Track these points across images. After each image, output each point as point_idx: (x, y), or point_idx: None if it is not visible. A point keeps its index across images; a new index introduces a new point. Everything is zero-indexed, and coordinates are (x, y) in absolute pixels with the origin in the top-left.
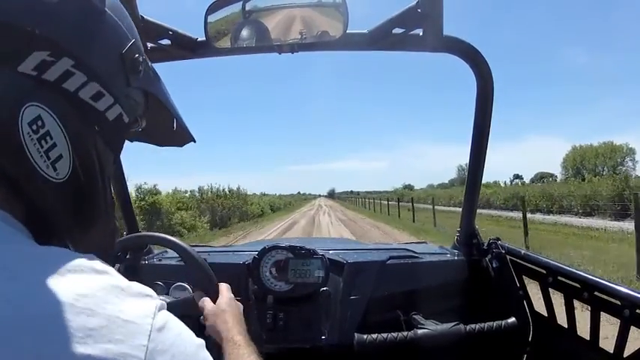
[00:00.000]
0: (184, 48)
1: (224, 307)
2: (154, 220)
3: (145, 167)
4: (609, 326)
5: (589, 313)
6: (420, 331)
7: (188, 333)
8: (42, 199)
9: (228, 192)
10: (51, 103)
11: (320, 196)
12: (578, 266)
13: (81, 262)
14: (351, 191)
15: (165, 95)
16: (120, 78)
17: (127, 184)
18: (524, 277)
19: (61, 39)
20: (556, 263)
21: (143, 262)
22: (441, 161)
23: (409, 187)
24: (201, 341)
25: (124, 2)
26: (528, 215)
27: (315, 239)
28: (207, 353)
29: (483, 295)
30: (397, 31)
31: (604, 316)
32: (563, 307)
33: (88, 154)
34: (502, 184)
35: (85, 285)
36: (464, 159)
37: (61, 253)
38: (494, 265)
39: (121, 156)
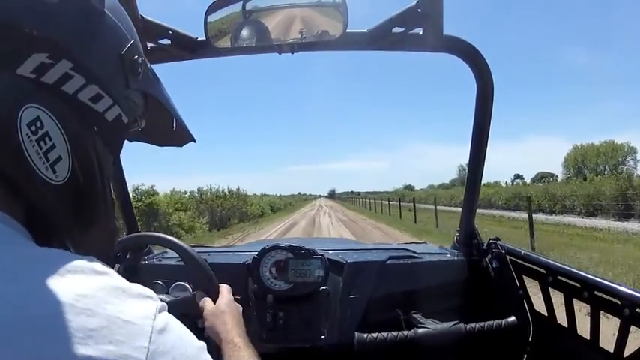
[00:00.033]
0: (184, 48)
1: (223, 308)
2: (151, 222)
3: (144, 168)
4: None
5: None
6: (420, 330)
7: (189, 335)
8: (41, 200)
9: (227, 193)
10: (50, 105)
11: (320, 196)
12: (587, 269)
13: (81, 263)
14: (352, 192)
15: (164, 96)
16: (119, 79)
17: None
18: (524, 276)
19: (61, 40)
20: (556, 263)
21: (143, 262)
22: (442, 161)
23: (410, 188)
24: (202, 343)
25: (124, 2)
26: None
27: (315, 239)
28: (208, 355)
29: (483, 295)
30: (397, 30)
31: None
32: (563, 307)
33: (88, 155)
34: (503, 184)
35: (85, 285)
36: (464, 159)
37: (61, 255)
38: (494, 265)
39: (121, 157)
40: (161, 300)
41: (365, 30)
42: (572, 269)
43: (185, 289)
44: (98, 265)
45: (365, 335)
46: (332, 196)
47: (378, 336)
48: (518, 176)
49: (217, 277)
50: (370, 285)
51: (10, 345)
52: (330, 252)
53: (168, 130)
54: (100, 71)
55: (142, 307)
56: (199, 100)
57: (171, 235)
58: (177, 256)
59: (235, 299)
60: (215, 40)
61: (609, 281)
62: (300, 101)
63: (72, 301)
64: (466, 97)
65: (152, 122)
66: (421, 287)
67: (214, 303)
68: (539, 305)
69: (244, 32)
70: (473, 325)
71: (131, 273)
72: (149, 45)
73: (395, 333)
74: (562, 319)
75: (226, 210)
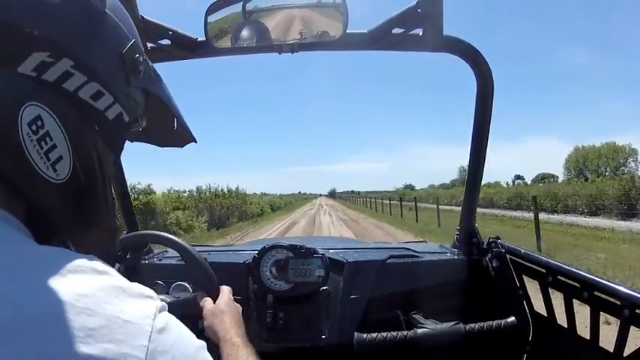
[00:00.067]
0: (184, 48)
1: (223, 307)
2: (148, 220)
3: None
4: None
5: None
6: (419, 331)
7: (189, 334)
8: (42, 200)
9: (226, 192)
10: (51, 103)
11: (321, 195)
12: (595, 272)
13: (81, 262)
14: (352, 191)
15: (166, 94)
16: (120, 78)
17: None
18: (524, 276)
19: (61, 39)
20: (556, 262)
21: (143, 262)
22: (442, 162)
23: (410, 188)
24: (202, 343)
25: (124, 2)
26: (531, 215)
27: (315, 238)
28: (208, 354)
29: (483, 295)
30: (397, 31)
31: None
32: (563, 308)
33: (88, 154)
34: (504, 185)
35: (85, 285)
36: (464, 160)
37: (61, 253)
38: (494, 265)
39: (122, 158)
40: (162, 301)
41: (365, 30)
42: (572, 269)
43: (185, 289)
44: (99, 265)
45: (365, 335)
46: (332, 195)
47: (378, 336)
48: (518, 177)
49: (218, 276)
50: (370, 284)
51: (10, 345)
52: (331, 251)
53: (169, 130)
54: (101, 70)
55: (142, 306)
56: (200, 100)
57: (169, 234)
58: (178, 255)
59: (235, 299)
60: (215, 40)
61: (609, 281)
62: (300, 102)
63: (72, 300)
64: (466, 97)
65: (153, 122)
66: (421, 287)
67: (214, 303)
68: (539, 306)
69: (244, 32)
70: (472, 325)
71: (131, 272)
72: (149, 45)
73: (394, 333)
74: (562, 319)
75: (225, 209)
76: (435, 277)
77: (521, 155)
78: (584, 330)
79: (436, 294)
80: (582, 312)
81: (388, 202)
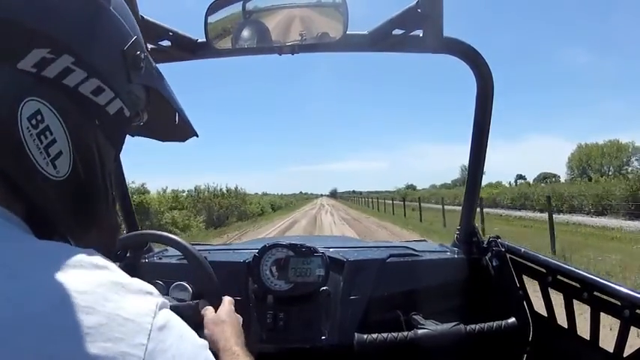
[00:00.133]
0: (184, 49)
1: (224, 317)
2: (142, 220)
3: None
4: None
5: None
6: (420, 331)
7: (190, 333)
8: (42, 197)
9: (225, 191)
10: (51, 98)
11: (322, 195)
12: (615, 275)
13: (81, 257)
14: (353, 191)
15: (167, 90)
16: (121, 75)
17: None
18: (524, 276)
19: (62, 36)
20: (556, 262)
21: (143, 261)
22: (443, 162)
23: (412, 187)
24: (204, 342)
25: (125, 2)
26: (535, 214)
27: (316, 237)
28: (209, 353)
29: (483, 295)
30: (397, 32)
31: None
32: (563, 308)
33: (89, 149)
34: (506, 185)
35: (84, 281)
36: (465, 159)
37: (60, 248)
38: (494, 264)
39: (121, 158)
40: None
41: (365, 32)
42: (572, 268)
43: (185, 289)
44: (98, 259)
45: (365, 336)
46: (333, 195)
47: (378, 337)
48: (520, 176)
49: (217, 275)
50: (371, 284)
51: (10, 344)
52: (331, 250)
53: (171, 125)
54: (102, 66)
55: (142, 303)
56: (202, 101)
57: (168, 233)
58: (178, 254)
59: (236, 300)
60: (215, 41)
61: (609, 282)
62: (300, 102)
63: (72, 298)
64: (466, 97)
65: (154, 116)
66: (421, 286)
67: (215, 305)
68: (539, 306)
69: (245, 33)
70: (473, 326)
71: (131, 271)
72: (149, 46)
73: (395, 334)
74: (562, 320)
75: (224, 208)
76: (435, 276)
77: (523, 154)
78: (584, 330)
79: (436, 294)
80: (582, 312)
81: (391, 202)
